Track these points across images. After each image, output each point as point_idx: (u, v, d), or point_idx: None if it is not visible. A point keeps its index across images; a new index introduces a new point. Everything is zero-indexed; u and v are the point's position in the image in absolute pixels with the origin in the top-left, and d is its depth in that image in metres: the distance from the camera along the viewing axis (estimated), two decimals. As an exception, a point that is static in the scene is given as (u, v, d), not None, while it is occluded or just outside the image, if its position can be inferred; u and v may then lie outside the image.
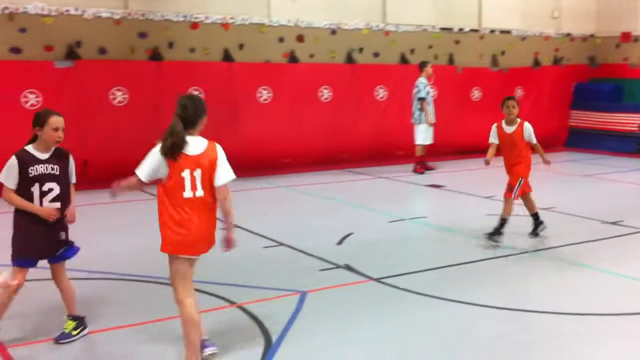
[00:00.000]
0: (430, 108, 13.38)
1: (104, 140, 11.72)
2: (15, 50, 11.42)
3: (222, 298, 5.87)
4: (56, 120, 4.85)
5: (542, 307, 5.61)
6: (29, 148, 4.86)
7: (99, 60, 12.03)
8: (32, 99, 11.22)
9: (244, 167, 13.34)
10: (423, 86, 13.29)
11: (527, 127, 7.78)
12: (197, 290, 6.01)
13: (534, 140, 7.81)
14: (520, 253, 7.40)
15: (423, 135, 13.32)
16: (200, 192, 4.38)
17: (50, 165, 4.86)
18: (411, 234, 8.45)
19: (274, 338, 4.99)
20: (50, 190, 4.86)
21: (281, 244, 7.69)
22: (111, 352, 4.90)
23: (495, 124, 8.03)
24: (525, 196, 7.94)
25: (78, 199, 5.21)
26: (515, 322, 5.36)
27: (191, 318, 4.45)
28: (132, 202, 9.46)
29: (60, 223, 4.95)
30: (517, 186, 7.72)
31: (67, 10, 11.79)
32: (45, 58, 11.57)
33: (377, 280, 6.40)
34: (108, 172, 10.17)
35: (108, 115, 11.85)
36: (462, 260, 7.08)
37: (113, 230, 8.60)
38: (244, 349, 4.82)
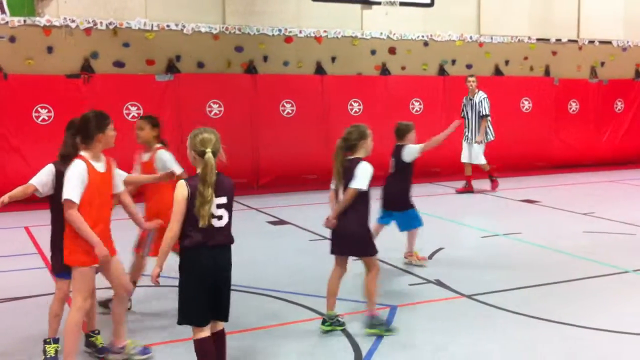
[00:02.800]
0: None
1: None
2: (119, 64, 11.96)
3: (312, 309, 5.91)
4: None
5: (645, 331, 5.37)
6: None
7: (197, 73, 12.44)
8: (133, 111, 11.70)
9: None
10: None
11: (160, 155, 5.74)
12: (286, 301, 6.16)
13: (171, 168, 5.51)
14: (621, 273, 7.10)
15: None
16: None
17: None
18: (505, 251, 8.25)
19: (364, 352, 4.98)
20: None
21: (371, 257, 7.68)
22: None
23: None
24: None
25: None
26: (620, 345, 5.14)
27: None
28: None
29: None
30: (147, 239, 5.69)
31: (168, 26, 12.27)
32: (146, 71, 12.07)
33: (469, 297, 6.29)
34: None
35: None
36: (558, 279, 6.86)
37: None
38: (334, 362, 4.84)
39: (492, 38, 14.95)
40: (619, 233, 8.91)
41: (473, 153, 12.32)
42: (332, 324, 5.35)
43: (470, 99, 12.38)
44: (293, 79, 13.10)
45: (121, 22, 11.94)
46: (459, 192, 12.39)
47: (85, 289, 4.52)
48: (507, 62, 15.11)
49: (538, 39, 15.41)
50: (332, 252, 5.43)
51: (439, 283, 6.70)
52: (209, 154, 4.12)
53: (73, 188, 4.37)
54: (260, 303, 6.18)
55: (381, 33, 13.96)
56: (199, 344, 4.21)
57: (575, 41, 15.84)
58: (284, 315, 5.81)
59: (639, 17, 16.32)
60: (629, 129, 16.16)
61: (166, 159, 5.76)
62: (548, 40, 15.53)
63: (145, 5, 12.16)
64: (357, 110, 13.57)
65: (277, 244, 8.60)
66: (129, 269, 5.74)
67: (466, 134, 12.43)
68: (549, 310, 5.86)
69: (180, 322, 4.24)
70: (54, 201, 4.72)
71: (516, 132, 14.56)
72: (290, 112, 13.03)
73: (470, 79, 12.46)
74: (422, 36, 14.34)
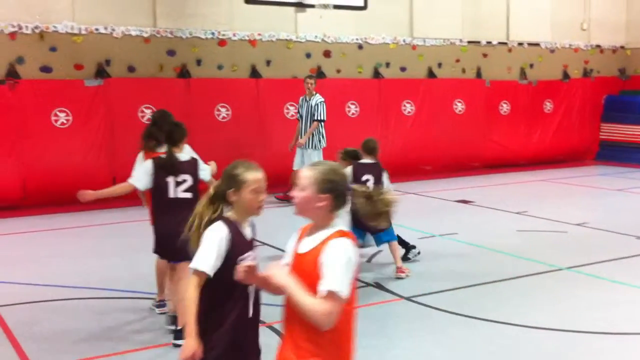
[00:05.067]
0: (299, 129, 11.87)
1: (132, 158, 11.74)
2: (46, 69, 11.57)
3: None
4: None
5: (578, 326, 5.49)
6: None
7: (128, 78, 12.14)
8: (62, 118, 11.34)
9: (271, 183, 13.35)
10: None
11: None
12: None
13: None
14: (554, 270, 7.26)
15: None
16: None
17: None
18: (441, 251, 8.33)
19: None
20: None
21: (310, 262, 7.63)
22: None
23: None
24: None
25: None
26: (555, 341, 5.24)
27: None
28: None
29: None
30: None
31: (97, 29, 11.93)
32: (75, 76, 11.70)
33: (408, 299, 6.31)
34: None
35: (137, 133, 11.90)
36: (494, 279, 6.96)
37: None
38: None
39: (424, 41, 15.12)
40: (551, 231, 9.12)
41: (307, 160, 10.96)
42: None
43: (307, 101, 11.83)
44: (228, 83, 12.94)
45: (47, 26, 11.54)
46: (281, 199, 11.20)
47: None
48: (439, 65, 15.31)
49: (469, 42, 15.68)
50: None
51: (378, 286, 6.71)
52: None
53: None
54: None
55: (316, 36, 13.96)
56: None
57: (505, 43, 16.20)
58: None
59: (566, 19, 16.81)
60: (558, 129, 16.61)
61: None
62: (479, 42, 15.82)
63: (72, 8, 11.78)
64: (294, 114, 13.51)
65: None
66: None
67: (299, 138, 11.61)
68: (487, 309, 5.93)
69: None
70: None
71: (449, 134, 14.77)
72: (225, 116, 12.87)
73: (308, 80, 11.84)
74: (356, 39, 14.40)
